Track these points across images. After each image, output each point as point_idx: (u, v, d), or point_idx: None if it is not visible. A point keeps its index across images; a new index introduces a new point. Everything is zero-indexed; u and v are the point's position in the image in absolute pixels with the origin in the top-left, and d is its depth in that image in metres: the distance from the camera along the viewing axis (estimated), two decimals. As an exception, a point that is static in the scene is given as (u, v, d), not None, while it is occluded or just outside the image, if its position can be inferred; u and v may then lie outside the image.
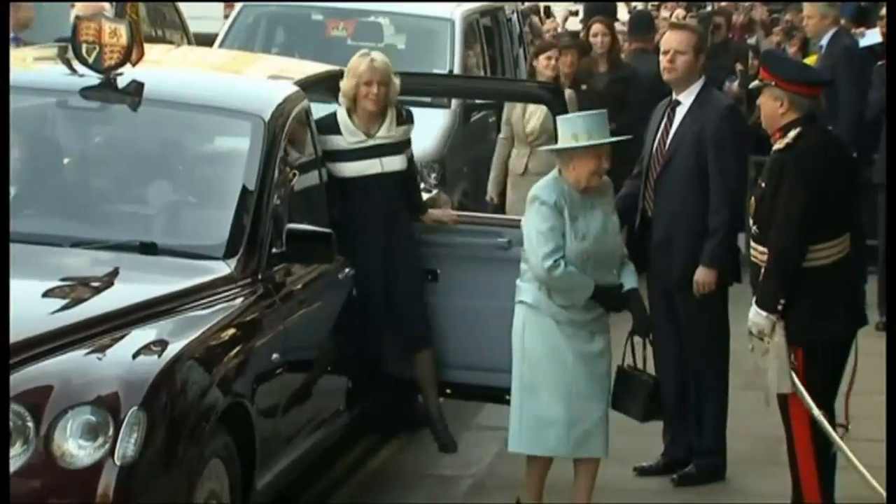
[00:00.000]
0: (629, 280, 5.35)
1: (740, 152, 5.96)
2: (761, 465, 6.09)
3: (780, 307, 5.06)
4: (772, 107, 5.16)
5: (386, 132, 5.80)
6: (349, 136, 5.76)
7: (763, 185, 5.20)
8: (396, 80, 5.80)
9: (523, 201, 5.49)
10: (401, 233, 5.82)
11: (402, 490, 5.90)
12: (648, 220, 5.95)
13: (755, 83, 5.35)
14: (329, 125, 5.78)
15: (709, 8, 12.36)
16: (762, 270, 5.13)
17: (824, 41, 9.09)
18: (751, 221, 5.25)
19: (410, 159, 5.93)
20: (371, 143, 5.77)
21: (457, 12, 9.62)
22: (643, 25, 9.91)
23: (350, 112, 5.79)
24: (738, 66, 10.32)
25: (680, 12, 11.55)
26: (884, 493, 4.89)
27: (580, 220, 5.20)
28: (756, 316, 5.10)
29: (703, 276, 5.80)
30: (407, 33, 9.86)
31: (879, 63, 8.58)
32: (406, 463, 6.27)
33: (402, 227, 5.83)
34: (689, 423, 6.01)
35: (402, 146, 5.84)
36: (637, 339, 5.43)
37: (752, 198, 5.27)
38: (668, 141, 5.92)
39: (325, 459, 5.87)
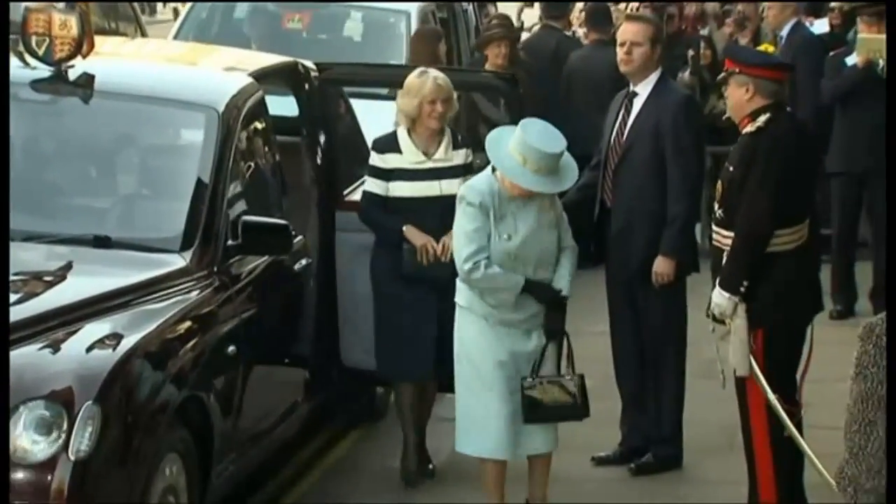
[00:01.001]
0: (560, 282, 5.19)
1: (697, 143, 5.98)
2: (718, 453, 6.11)
3: (742, 289, 5.09)
4: (738, 94, 5.18)
5: (444, 154, 5.70)
6: (410, 155, 5.67)
7: (731, 168, 5.22)
8: (455, 98, 5.74)
9: None
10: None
11: (362, 482, 5.88)
12: (607, 210, 5.95)
13: (721, 75, 5.38)
14: (389, 143, 5.70)
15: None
16: (725, 253, 5.15)
17: (784, 32, 9.15)
18: (716, 206, 5.25)
19: None
20: (431, 164, 5.68)
21: (413, 4, 9.60)
22: (600, 17, 9.92)
23: (409, 131, 5.69)
24: (690, 53, 10.35)
25: (635, 4, 11.56)
26: (833, 482, 4.91)
27: (508, 218, 5.10)
28: (719, 297, 5.12)
29: (661, 266, 5.81)
30: (363, 25, 9.82)
31: (832, 53, 8.64)
32: (365, 455, 6.25)
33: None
34: (647, 412, 6.02)
35: (462, 171, 5.70)
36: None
37: (719, 182, 5.27)
38: (626, 132, 5.93)
39: (284, 452, 5.84)
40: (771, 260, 5.11)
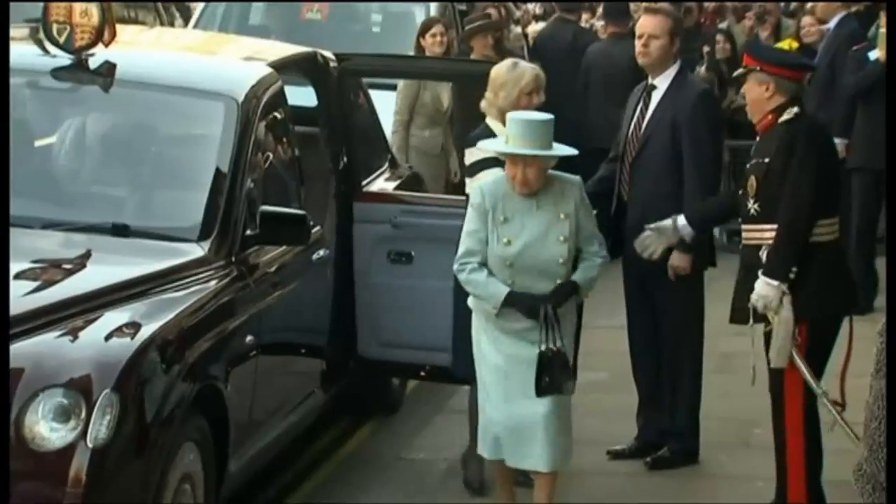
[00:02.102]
0: (579, 275, 4.97)
1: (715, 137, 5.97)
2: (734, 448, 6.10)
3: (792, 276, 5.06)
4: (757, 91, 5.18)
5: None
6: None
7: (766, 160, 5.17)
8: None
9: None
10: None
11: (377, 474, 5.89)
12: (625, 204, 5.94)
13: (739, 71, 5.36)
14: (487, 137, 5.38)
15: None
16: (763, 249, 5.13)
17: (832, 23, 9.12)
18: (750, 202, 5.19)
19: None
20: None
21: (432, -4, 9.59)
22: (618, 11, 9.90)
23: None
24: (706, 49, 10.32)
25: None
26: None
27: (513, 222, 4.89)
28: (765, 287, 5.06)
29: (677, 259, 5.79)
30: (382, 16, 9.82)
31: (855, 48, 8.60)
32: (380, 446, 6.25)
33: None
34: (663, 406, 6.02)
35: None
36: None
37: (751, 177, 5.21)
38: (644, 125, 5.91)
39: (299, 442, 5.85)
40: (811, 251, 5.10)
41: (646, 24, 5.99)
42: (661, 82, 5.92)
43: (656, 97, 5.92)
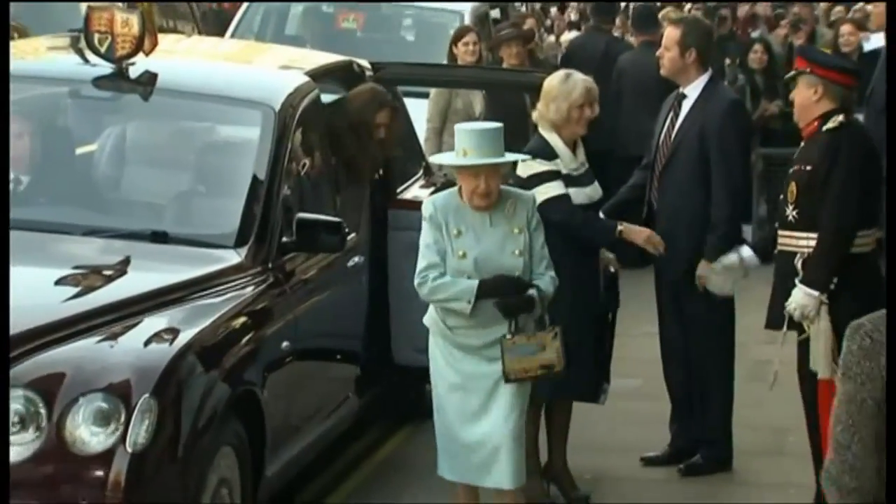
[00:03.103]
0: (540, 287, 4.79)
1: (743, 147, 5.92)
2: (767, 456, 6.07)
3: (832, 287, 5.01)
4: (806, 94, 5.12)
5: (583, 157, 5.52)
6: (568, 161, 5.44)
7: (808, 167, 5.13)
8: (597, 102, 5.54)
9: None
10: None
11: (411, 479, 5.89)
12: (655, 211, 5.93)
13: (790, 73, 5.33)
14: (545, 149, 5.39)
15: (713, 2, 12.33)
16: (799, 256, 5.09)
17: (877, 37, 9.02)
18: (789, 209, 5.16)
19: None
20: (584, 169, 5.50)
21: (467, 5, 9.59)
22: (644, 20, 9.87)
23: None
24: (727, 62, 10.25)
25: (688, 6, 11.51)
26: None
27: (467, 236, 4.76)
28: (804, 297, 5.03)
29: (704, 270, 5.77)
30: (417, 26, 9.83)
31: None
32: (415, 452, 6.25)
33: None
34: (695, 413, 5.99)
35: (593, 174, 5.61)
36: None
37: (792, 184, 5.17)
38: (674, 134, 5.90)
39: (334, 448, 5.86)
40: (850, 262, 5.05)
41: (664, 35, 6.01)
42: (692, 91, 5.90)
43: (686, 106, 5.90)
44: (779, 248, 5.23)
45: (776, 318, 5.16)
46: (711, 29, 6.17)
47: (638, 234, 5.59)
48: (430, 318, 4.87)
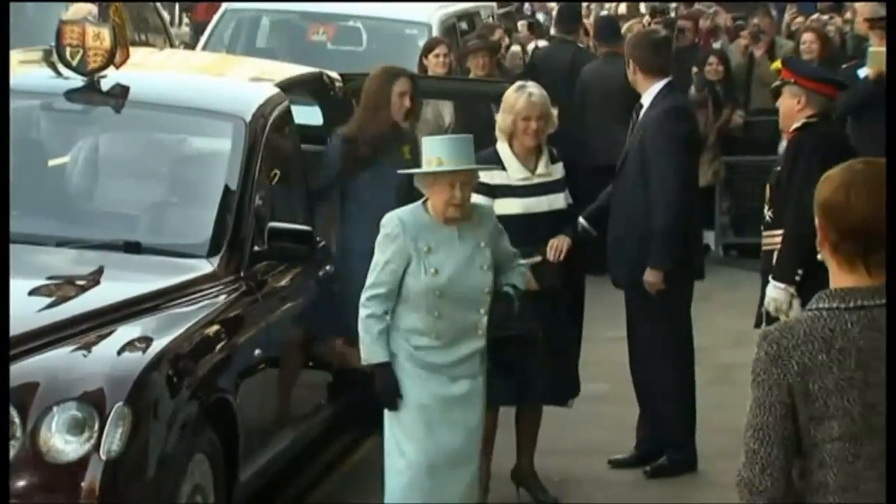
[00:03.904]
0: (513, 283, 4.79)
1: (678, 154, 5.82)
2: (732, 457, 5.98)
3: (798, 278, 5.06)
4: (790, 103, 5.27)
5: (544, 169, 5.44)
6: (515, 172, 5.39)
7: (779, 169, 5.26)
8: (554, 113, 5.49)
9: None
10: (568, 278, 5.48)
11: (381, 487, 5.86)
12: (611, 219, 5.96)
13: (776, 83, 5.46)
14: (491, 159, 5.33)
15: (672, 14, 12.39)
16: (775, 253, 5.15)
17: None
18: (766, 209, 5.26)
19: (569, 202, 5.59)
20: (536, 180, 5.42)
21: (434, 16, 9.60)
22: (607, 32, 9.90)
23: (510, 147, 5.40)
24: (694, 70, 10.31)
25: (647, 19, 11.55)
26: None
27: (438, 252, 4.63)
28: (774, 290, 5.10)
29: (649, 276, 5.75)
30: (385, 37, 9.83)
31: (844, 66, 8.60)
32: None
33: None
34: (661, 417, 5.99)
35: (562, 185, 5.51)
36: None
37: (767, 186, 5.29)
38: (627, 143, 5.93)
39: (308, 453, 5.84)
40: (815, 253, 5.08)
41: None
42: (645, 100, 5.93)
43: (640, 116, 5.93)
44: (763, 248, 5.31)
45: (758, 316, 5.23)
46: (655, 40, 6.12)
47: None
48: (393, 342, 4.70)
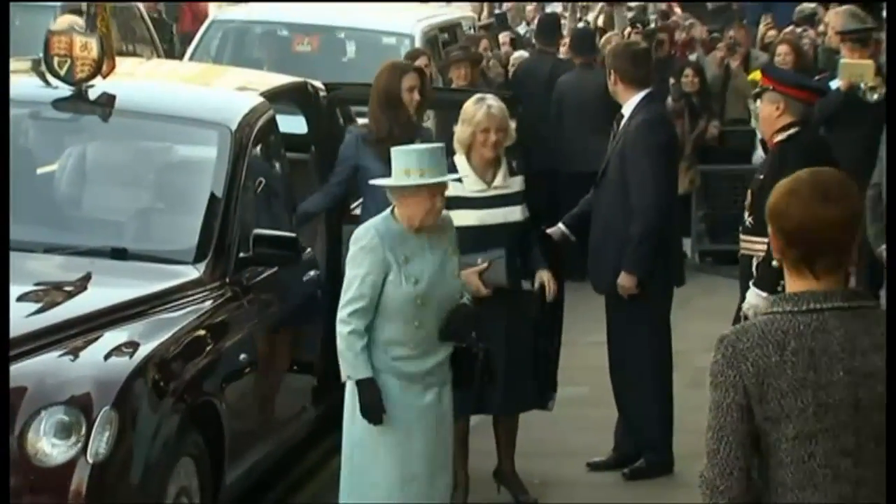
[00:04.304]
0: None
1: (656, 162, 5.83)
2: (708, 459, 6.08)
3: (780, 289, 5.05)
4: (769, 109, 5.30)
5: (502, 181, 5.37)
6: (471, 184, 5.33)
7: (761, 176, 5.26)
8: (512, 125, 5.41)
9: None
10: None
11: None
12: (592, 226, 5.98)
13: (756, 90, 5.49)
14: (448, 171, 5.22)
15: (652, 25, 12.44)
16: (755, 259, 5.16)
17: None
18: (746, 214, 5.27)
19: (527, 216, 5.50)
20: (492, 192, 5.36)
21: (416, 28, 9.62)
22: (582, 44, 9.93)
23: (467, 159, 5.35)
24: (672, 81, 10.36)
25: (627, 31, 11.59)
26: None
27: (414, 262, 4.57)
28: (755, 298, 5.08)
29: (623, 280, 5.77)
30: (369, 48, 9.84)
31: (817, 77, 8.64)
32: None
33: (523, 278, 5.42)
34: (637, 420, 6.00)
35: (520, 198, 5.43)
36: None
37: (749, 191, 5.30)
38: (608, 152, 5.95)
39: (292, 456, 5.83)
40: None
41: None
42: (626, 110, 5.95)
43: (622, 125, 5.95)
44: (741, 252, 5.33)
45: (737, 320, 5.23)
46: (635, 52, 6.15)
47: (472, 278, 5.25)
48: (373, 356, 4.59)
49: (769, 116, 5.28)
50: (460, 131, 5.38)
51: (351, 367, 4.58)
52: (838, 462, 2.60)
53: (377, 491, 4.61)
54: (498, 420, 5.59)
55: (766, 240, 5.14)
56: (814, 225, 2.62)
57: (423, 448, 4.63)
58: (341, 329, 4.58)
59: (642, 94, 5.93)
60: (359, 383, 4.57)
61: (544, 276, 5.50)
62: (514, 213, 5.44)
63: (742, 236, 5.32)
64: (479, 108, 5.34)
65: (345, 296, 4.60)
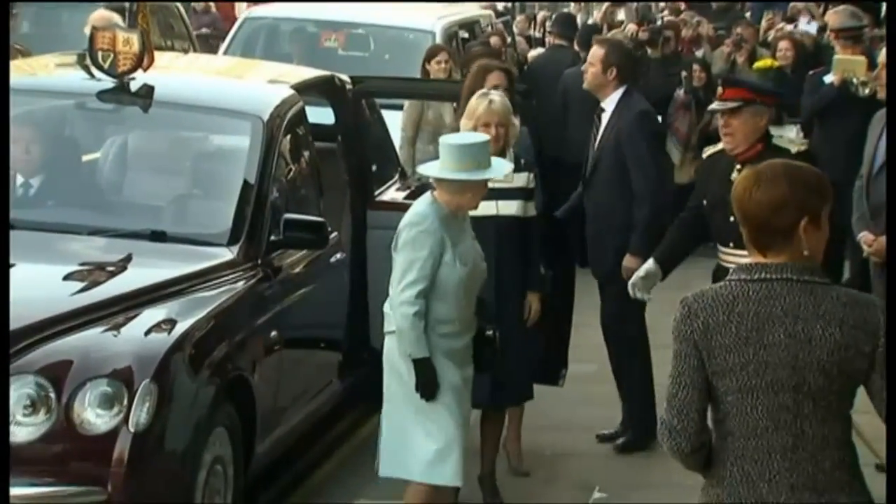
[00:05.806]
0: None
1: (654, 151, 5.88)
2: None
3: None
4: (755, 122, 4.87)
5: (508, 175, 5.16)
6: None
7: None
8: (516, 122, 5.21)
9: None
10: (510, 281, 5.19)
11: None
12: (585, 216, 5.95)
13: (736, 104, 4.92)
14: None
15: (658, 23, 12.39)
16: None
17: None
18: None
19: (532, 214, 5.31)
20: (491, 185, 5.04)
21: (437, 25, 9.61)
22: (589, 39, 9.89)
23: None
24: (683, 74, 10.33)
25: (632, 27, 11.53)
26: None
27: (460, 243, 4.53)
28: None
29: (629, 262, 5.69)
30: (392, 44, 9.85)
31: (811, 72, 8.60)
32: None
33: (511, 275, 5.20)
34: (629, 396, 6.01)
35: (522, 194, 5.25)
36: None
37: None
38: (596, 145, 5.91)
39: (319, 427, 5.86)
40: None
41: (590, 53, 6.04)
42: (608, 105, 5.90)
43: (605, 119, 5.91)
44: (721, 263, 5.10)
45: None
46: (632, 51, 6.17)
47: None
48: (428, 324, 4.50)
49: (756, 129, 4.81)
50: (463, 126, 5.26)
51: (414, 346, 4.49)
52: (779, 416, 2.73)
53: (419, 465, 4.56)
54: (485, 418, 5.39)
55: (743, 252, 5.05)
56: (746, 206, 2.77)
57: (463, 420, 4.61)
58: (406, 310, 4.47)
59: (623, 88, 5.90)
60: (417, 362, 4.50)
61: (532, 300, 5.32)
62: (510, 207, 5.24)
63: (722, 248, 5.20)
64: (481, 103, 5.19)
65: (406, 277, 4.48)
